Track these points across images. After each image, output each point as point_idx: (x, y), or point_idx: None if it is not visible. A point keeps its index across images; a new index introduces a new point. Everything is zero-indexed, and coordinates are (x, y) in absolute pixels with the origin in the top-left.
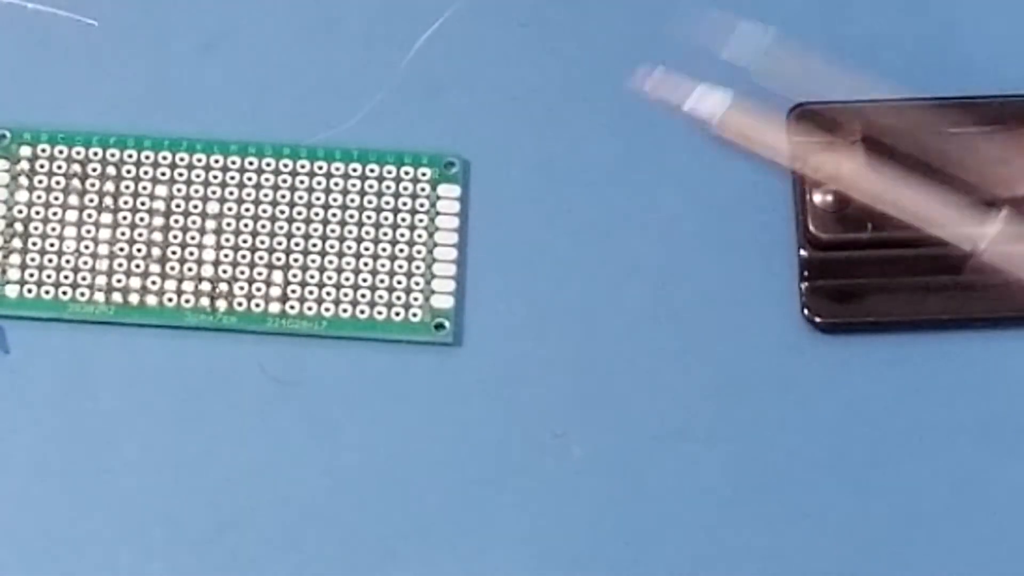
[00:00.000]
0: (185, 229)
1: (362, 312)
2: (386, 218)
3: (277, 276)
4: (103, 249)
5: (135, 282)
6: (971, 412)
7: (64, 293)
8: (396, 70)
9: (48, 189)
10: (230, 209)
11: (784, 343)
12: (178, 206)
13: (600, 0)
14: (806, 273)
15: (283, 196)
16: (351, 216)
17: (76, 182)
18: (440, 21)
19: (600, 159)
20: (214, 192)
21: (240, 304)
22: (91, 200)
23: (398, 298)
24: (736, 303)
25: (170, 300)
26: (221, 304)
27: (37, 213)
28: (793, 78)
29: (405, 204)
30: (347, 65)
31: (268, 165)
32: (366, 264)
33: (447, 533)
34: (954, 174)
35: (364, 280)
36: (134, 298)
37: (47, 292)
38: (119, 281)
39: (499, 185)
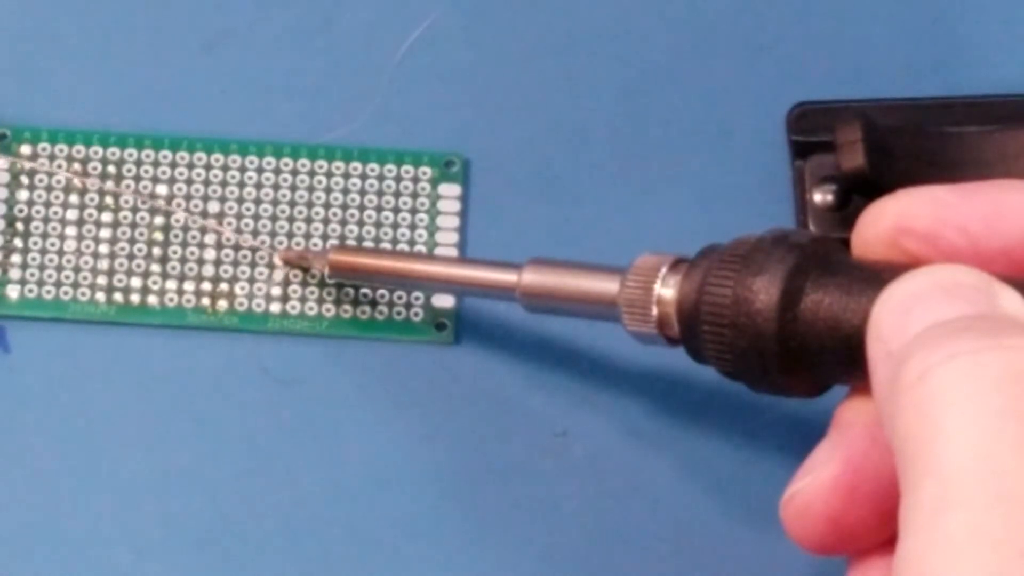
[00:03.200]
0: (185, 229)
1: (362, 312)
2: (386, 217)
3: (277, 276)
4: (103, 248)
5: (136, 282)
6: None
7: (65, 293)
8: (398, 69)
9: (48, 188)
10: (230, 209)
11: None
12: (179, 206)
13: None
14: None
15: (283, 195)
16: (352, 215)
17: (76, 181)
18: (432, 20)
19: (600, 158)
20: (214, 192)
21: (240, 304)
22: (91, 199)
23: (398, 297)
24: None
25: (171, 300)
26: (222, 304)
27: (37, 212)
28: None
29: (405, 203)
30: (348, 64)
31: (268, 164)
32: None
33: (447, 533)
34: (954, 174)
35: None
36: (135, 298)
37: (48, 292)
38: (120, 281)
39: (500, 185)
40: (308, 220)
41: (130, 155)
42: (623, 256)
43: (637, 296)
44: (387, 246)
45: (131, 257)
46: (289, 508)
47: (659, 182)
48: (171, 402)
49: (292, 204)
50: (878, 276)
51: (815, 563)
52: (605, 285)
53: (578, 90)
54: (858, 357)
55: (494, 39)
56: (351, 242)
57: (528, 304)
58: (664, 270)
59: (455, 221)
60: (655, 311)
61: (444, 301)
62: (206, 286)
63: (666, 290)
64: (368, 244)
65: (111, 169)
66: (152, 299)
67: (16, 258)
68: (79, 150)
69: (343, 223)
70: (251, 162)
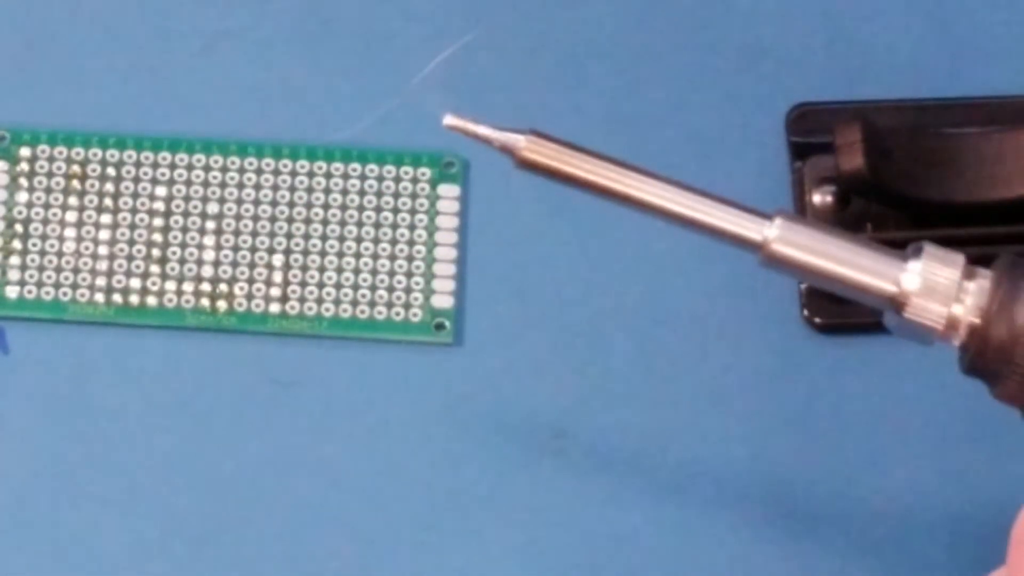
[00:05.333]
0: (185, 229)
1: (362, 312)
2: (386, 218)
3: (277, 276)
4: (103, 250)
5: (135, 283)
6: (970, 413)
7: (64, 294)
8: (401, 76)
9: (48, 190)
10: (230, 209)
11: (784, 343)
12: (178, 206)
13: (598, 1)
14: None
15: (283, 196)
16: (351, 216)
17: (76, 182)
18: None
19: None
20: (214, 192)
21: (240, 304)
22: (91, 200)
23: (398, 298)
24: (736, 303)
25: (170, 301)
26: (221, 304)
27: (37, 214)
28: None
29: (405, 204)
30: (349, 66)
31: (268, 165)
32: (366, 264)
33: (447, 533)
34: (954, 175)
35: (364, 280)
36: (134, 299)
37: (47, 293)
38: (119, 282)
39: (499, 185)
40: (307, 221)
41: (129, 157)
42: (622, 255)
43: (922, 320)
44: (386, 247)
45: (130, 258)
46: (289, 508)
47: None
48: (171, 402)
49: (291, 205)
50: None
51: (815, 564)
52: (878, 282)
53: (577, 91)
54: None
55: (494, 41)
56: (350, 243)
57: (770, 267)
58: (958, 283)
59: (454, 221)
60: (941, 331)
61: (444, 301)
62: (206, 287)
63: (961, 309)
64: (367, 245)
65: (110, 171)
66: (151, 300)
67: (15, 259)
68: (78, 152)
69: (343, 223)
70: (251, 163)
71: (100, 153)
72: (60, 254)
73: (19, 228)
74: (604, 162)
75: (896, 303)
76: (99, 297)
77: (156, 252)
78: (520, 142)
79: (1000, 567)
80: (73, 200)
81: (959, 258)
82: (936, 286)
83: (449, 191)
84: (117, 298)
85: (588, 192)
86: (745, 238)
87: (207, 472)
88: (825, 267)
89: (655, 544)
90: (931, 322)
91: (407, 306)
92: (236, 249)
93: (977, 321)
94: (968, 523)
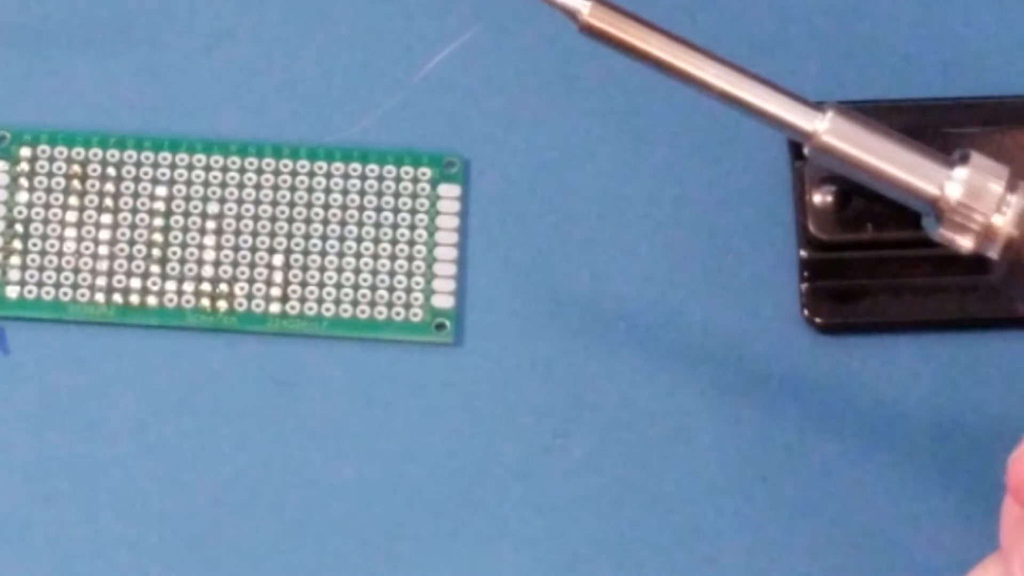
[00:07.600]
0: (185, 229)
1: (362, 312)
2: (386, 218)
3: (277, 276)
4: (103, 250)
5: (135, 283)
6: (971, 412)
7: (64, 294)
8: (402, 76)
9: (48, 190)
10: (230, 209)
11: (784, 343)
12: (178, 206)
13: None
14: (806, 273)
15: (283, 196)
16: (351, 216)
17: (76, 182)
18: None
19: (600, 160)
20: (214, 192)
21: (240, 304)
22: (91, 200)
23: (398, 298)
24: (736, 303)
25: (170, 301)
26: (221, 304)
27: (37, 214)
28: None
29: (405, 204)
30: (349, 66)
31: (268, 165)
32: (366, 264)
33: (447, 533)
34: None
35: (364, 280)
36: (134, 299)
37: (47, 293)
38: (119, 282)
39: (499, 185)
40: (308, 221)
41: (130, 157)
42: (622, 255)
43: (964, 223)
44: (386, 247)
45: (131, 258)
46: (289, 508)
47: (659, 182)
48: (171, 402)
49: (292, 205)
50: None
51: (815, 562)
52: (921, 184)
53: (577, 89)
54: None
55: (495, 42)
56: (350, 243)
57: (818, 159)
58: (1001, 194)
59: (455, 221)
60: (977, 240)
61: (444, 301)
62: (206, 286)
63: (1001, 221)
64: (367, 245)
65: (111, 171)
66: (152, 300)
67: (15, 259)
68: (79, 152)
69: (343, 223)
70: (251, 163)
71: (100, 153)
72: (60, 254)
73: (19, 228)
74: (666, 37)
75: (937, 207)
76: (99, 297)
77: (156, 252)
78: (584, 7)
79: (994, 552)
80: (73, 200)
81: (1005, 170)
82: (978, 196)
83: (449, 191)
84: (117, 298)
85: (647, 65)
86: (796, 126)
87: (207, 472)
88: (870, 163)
89: (655, 544)
90: (968, 231)
91: (407, 306)
92: (236, 249)
93: (1016, 233)
94: (968, 522)
